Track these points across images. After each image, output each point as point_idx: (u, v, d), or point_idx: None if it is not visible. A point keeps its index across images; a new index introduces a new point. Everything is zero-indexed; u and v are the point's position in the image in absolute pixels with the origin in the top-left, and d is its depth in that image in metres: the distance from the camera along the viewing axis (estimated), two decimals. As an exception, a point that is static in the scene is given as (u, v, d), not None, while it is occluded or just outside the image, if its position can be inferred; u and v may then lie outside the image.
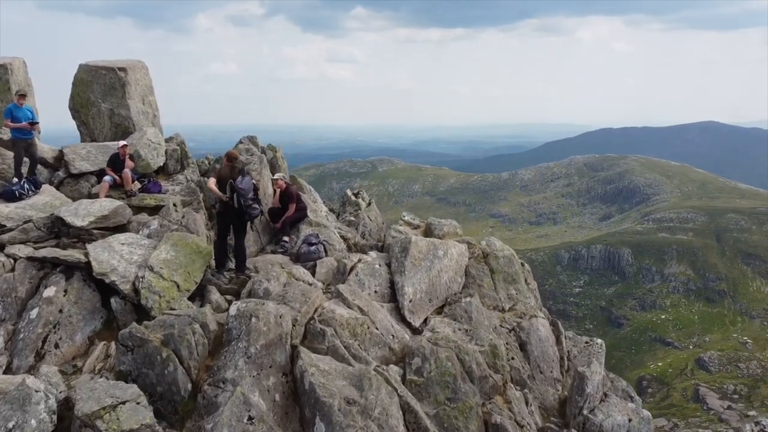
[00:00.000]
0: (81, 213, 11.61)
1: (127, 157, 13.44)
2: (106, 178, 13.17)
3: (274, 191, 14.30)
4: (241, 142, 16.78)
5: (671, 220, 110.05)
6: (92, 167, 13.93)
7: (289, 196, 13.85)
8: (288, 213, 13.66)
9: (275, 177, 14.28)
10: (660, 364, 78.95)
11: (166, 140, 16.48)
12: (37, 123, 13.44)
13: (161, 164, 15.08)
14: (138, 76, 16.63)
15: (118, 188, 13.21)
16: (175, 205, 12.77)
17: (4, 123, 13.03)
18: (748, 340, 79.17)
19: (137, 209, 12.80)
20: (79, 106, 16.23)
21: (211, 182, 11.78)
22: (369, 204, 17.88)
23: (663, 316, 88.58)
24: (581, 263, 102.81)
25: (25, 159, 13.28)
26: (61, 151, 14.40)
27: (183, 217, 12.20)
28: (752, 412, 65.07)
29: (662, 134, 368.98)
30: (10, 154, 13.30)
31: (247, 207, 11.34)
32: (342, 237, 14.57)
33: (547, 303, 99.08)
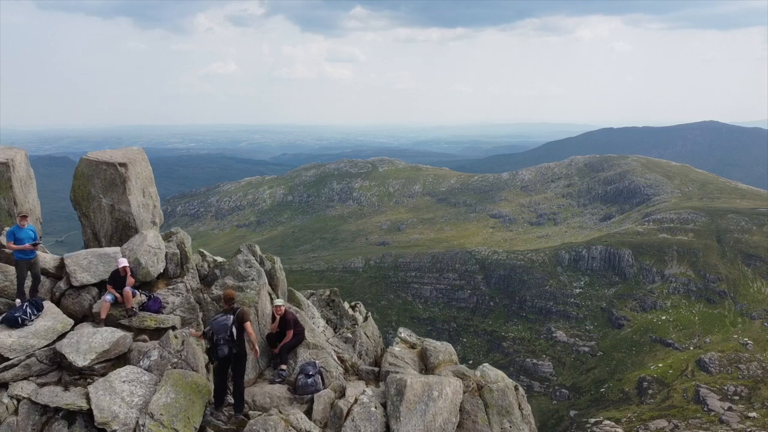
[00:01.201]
0: (82, 349, 11.82)
1: (128, 274, 13.51)
2: (107, 297, 13.19)
3: (274, 317, 14.61)
4: (240, 251, 16.61)
5: (672, 221, 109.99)
6: (93, 279, 13.91)
7: (286, 323, 14.18)
8: (285, 340, 14.09)
9: (276, 303, 14.44)
10: (660, 365, 78.87)
11: (165, 237, 16.34)
12: (39, 243, 13.65)
13: (161, 270, 15.00)
14: (138, 170, 16.66)
15: (118, 305, 13.31)
16: (174, 328, 13.05)
17: (7, 245, 13.22)
18: (749, 341, 79.10)
19: (138, 331, 13.04)
20: (80, 199, 16.27)
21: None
22: (366, 318, 18.17)
23: (663, 317, 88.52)
24: (582, 264, 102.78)
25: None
26: (62, 260, 14.41)
27: (182, 347, 12.37)
28: (753, 414, 65.00)
29: (663, 134, 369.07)
30: (12, 269, 13.47)
31: (216, 344, 11.56)
32: (339, 358, 14.88)
33: (547, 304, 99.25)
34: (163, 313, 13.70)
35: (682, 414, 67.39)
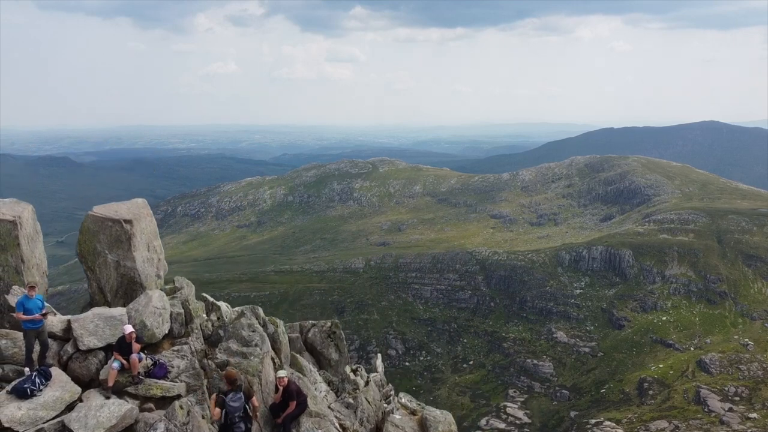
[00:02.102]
0: (90, 424, 12.05)
1: (134, 340, 13.68)
2: (114, 365, 13.29)
3: (276, 387, 14.73)
4: (243, 314, 16.71)
5: (672, 221, 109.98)
6: (100, 343, 14.09)
7: (289, 393, 14.34)
8: (288, 410, 14.29)
9: (279, 375, 14.61)
10: (661, 365, 78.87)
11: (170, 292, 16.55)
12: (48, 313, 13.92)
13: (166, 332, 15.22)
14: (143, 225, 16.92)
15: (125, 372, 13.49)
16: (179, 396, 13.28)
17: (16, 315, 13.42)
18: (749, 342, 79.09)
19: (144, 399, 13.22)
20: (86, 253, 16.50)
21: (216, 413, 12.96)
22: (367, 383, 18.25)
23: (664, 318, 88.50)
24: (582, 264, 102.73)
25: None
26: (69, 323, 14.53)
27: (188, 418, 12.58)
28: (753, 414, 65.03)
29: (664, 134, 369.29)
30: (20, 335, 13.69)
31: (232, 424, 12.41)
32: (341, 425, 15.11)
33: (548, 305, 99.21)
34: (168, 379, 13.85)
35: (683, 415, 67.41)
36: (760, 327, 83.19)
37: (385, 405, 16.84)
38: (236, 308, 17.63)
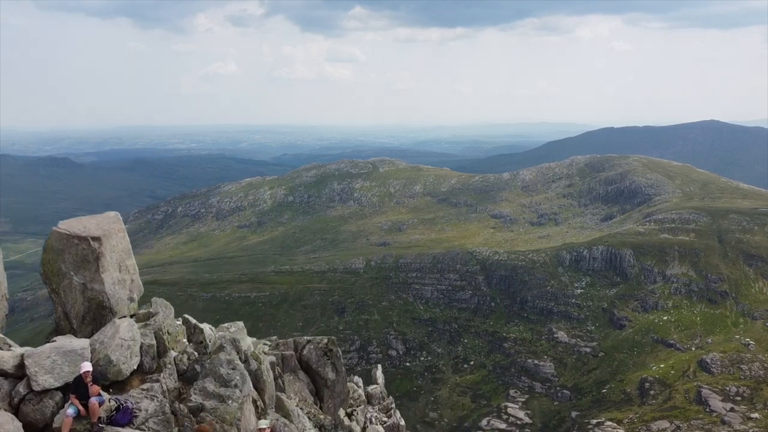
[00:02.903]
0: None
1: (89, 381, 12.07)
2: (69, 411, 11.61)
3: None
4: (223, 348, 15.02)
5: (673, 221, 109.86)
6: (57, 382, 12.32)
7: None
8: None
9: (261, 426, 13.28)
10: (662, 365, 78.77)
11: (142, 319, 14.92)
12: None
13: (135, 367, 13.45)
14: (114, 243, 15.09)
15: (82, 418, 11.83)
16: None
17: None
18: (751, 342, 79.00)
19: None
20: (50, 274, 14.77)
21: None
22: (364, 429, 17.13)
23: (665, 318, 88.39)
24: (583, 264, 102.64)
25: None
26: (22, 357, 12.74)
27: None
28: (755, 414, 64.94)
29: (664, 133, 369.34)
30: None
31: None
32: None
33: (549, 305, 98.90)
34: (134, 426, 12.19)
35: (684, 415, 67.32)
36: (762, 327, 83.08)
37: (385, 419, 16.12)
38: (222, 324, 16.14)
